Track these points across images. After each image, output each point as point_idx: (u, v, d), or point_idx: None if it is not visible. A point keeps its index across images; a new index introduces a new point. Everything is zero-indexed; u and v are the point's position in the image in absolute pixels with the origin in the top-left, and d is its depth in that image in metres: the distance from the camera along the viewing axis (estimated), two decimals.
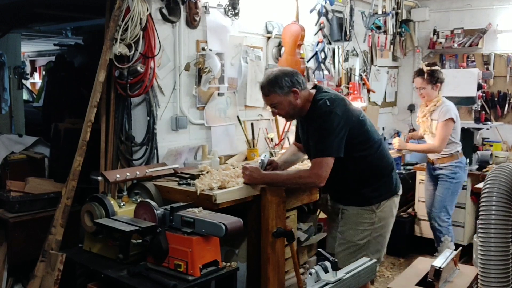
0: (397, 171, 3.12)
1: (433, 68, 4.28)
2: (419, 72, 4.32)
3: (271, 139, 4.03)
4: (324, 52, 4.52)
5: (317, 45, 4.51)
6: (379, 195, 2.86)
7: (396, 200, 2.98)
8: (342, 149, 2.68)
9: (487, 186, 1.95)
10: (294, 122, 3.32)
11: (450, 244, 4.26)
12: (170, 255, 2.47)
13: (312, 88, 2.89)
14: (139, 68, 3.22)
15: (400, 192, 3.02)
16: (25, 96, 8.52)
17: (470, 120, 5.39)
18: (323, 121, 2.68)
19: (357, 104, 4.57)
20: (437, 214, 4.39)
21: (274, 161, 3.16)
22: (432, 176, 4.52)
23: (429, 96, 4.32)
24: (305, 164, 3.40)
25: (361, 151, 2.80)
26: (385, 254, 4.52)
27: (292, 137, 4.33)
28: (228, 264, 2.62)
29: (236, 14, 3.83)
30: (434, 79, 4.25)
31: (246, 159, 3.89)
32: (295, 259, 3.08)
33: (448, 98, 5.52)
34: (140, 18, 3.14)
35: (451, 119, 4.20)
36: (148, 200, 2.68)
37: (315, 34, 4.63)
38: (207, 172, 3.13)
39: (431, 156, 4.46)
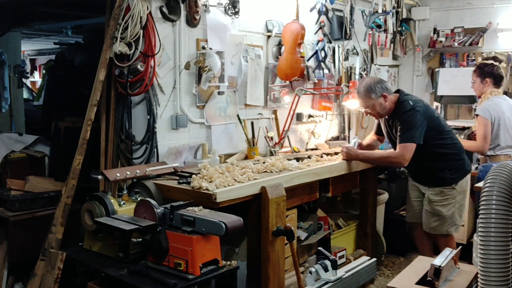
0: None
1: (485, 62, 4.14)
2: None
3: (271, 138, 4.02)
4: (324, 51, 4.52)
5: (317, 43, 4.51)
6: (456, 176, 3.68)
7: (468, 176, 3.80)
8: (422, 138, 3.50)
9: (487, 185, 1.95)
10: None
11: None
12: (170, 254, 2.48)
13: (395, 92, 3.70)
14: (139, 66, 3.22)
15: (471, 170, 3.84)
16: (25, 94, 8.52)
17: (470, 119, 5.40)
18: (408, 116, 3.51)
19: (357, 104, 4.56)
20: None
21: (361, 143, 4.02)
22: None
23: (477, 91, 4.18)
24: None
25: (436, 140, 3.60)
26: (385, 253, 4.58)
27: (292, 136, 4.36)
28: (228, 263, 2.62)
29: (236, 13, 3.82)
30: (482, 73, 4.10)
31: (246, 158, 3.89)
32: (295, 258, 3.07)
33: (448, 96, 5.54)
34: (140, 17, 3.14)
35: (480, 116, 3.98)
36: (148, 199, 2.68)
37: (315, 33, 4.62)
38: (206, 171, 3.13)
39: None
